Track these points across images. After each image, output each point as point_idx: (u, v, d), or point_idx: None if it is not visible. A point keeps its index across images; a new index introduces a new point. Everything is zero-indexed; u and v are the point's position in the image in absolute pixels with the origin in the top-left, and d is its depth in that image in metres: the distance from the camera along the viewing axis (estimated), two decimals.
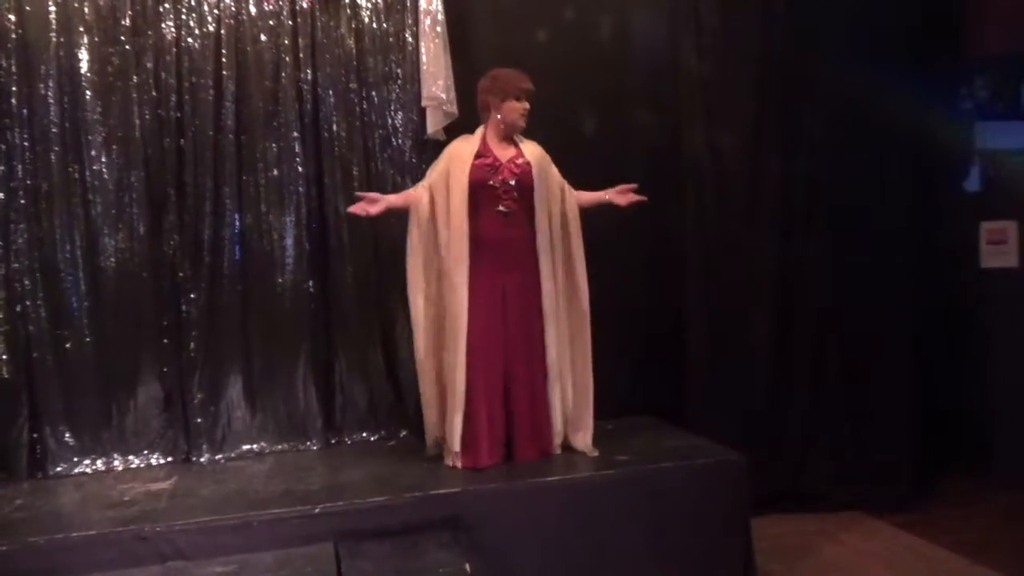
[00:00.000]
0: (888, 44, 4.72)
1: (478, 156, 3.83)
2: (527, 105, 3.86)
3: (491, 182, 3.80)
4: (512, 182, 3.80)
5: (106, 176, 4.08)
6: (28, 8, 3.99)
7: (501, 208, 3.80)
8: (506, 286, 3.82)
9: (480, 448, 3.76)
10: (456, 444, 3.76)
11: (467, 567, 3.15)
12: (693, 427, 4.31)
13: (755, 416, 4.66)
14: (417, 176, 4.36)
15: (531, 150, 3.92)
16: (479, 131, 3.93)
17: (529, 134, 3.97)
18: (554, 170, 3.95)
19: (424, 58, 4.27)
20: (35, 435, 4.02)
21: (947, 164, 5.17)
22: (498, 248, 3.80)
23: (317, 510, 3.32)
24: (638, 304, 4.67)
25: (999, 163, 5.19)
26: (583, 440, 3.93)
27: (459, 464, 3.76)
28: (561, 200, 3.95)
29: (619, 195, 4.02)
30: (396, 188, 4.35)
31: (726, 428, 4.33)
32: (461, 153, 3.85)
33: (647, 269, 4.71)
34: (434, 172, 3.89)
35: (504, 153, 3.87)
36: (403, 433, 4.37)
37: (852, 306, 4.76)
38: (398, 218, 4.05)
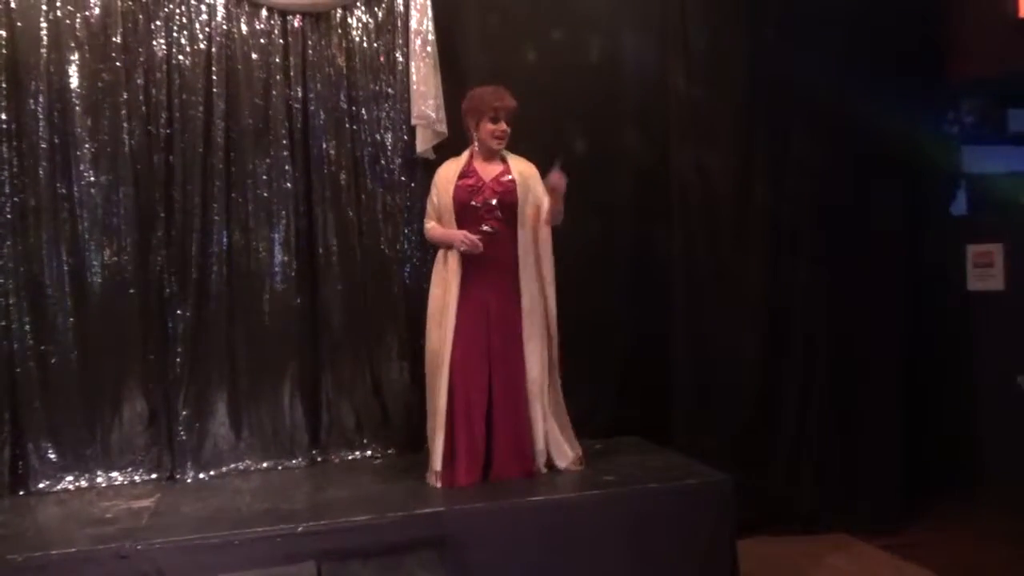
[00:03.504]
0: (877, 68, 4.73)
1: (462, 176, 3.85)
2: (503, 126, 3.83)
3: (473, 202, 3.81)
4: (493, 201, 3.81)
5: (94, 192, 4.07)
6: (19, 24, 3.99)
7: (485, 228, 3.80)
8: (489, 305, 3.82)
9: (459, 467, 3.74)
10: (437, 463, 3.75)
11: None
12: (680, 448, 4.29)
13: (742, 437, 4.63)
14: (406, 194, 4.42)
15: (519, 167, 3.92)
16: (466, 152, 3.95)
17: (515, 154, 3.97)
18: (540, 189, 3.91)
19: (414, 77, 4.28)
20: (17, 451, 3.98)
21: (934, 188, 5.18)
22: (482, 267, 3.80)
23: (300, 529, 3.27)
24: (625, 326, 4.66)
25: (985, 186, 5.21)
26: (571, 455, 3.90)
27: (439, 484, 3.74)
28: (536, 217, 3.91)
29: (552, 189, 3.79)
30: (385, 206, 4.40)
31: (713, 449, 4.32)
32: (445, 176, 3.89)
33: (634, 291, 4.69)
34: (430, 205, 3.93)
35: (489, 171, 3.88)
36: (390, 451, 4.35)
37: (840, 330, 4.74)
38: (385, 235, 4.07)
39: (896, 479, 4.74)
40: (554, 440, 3.91)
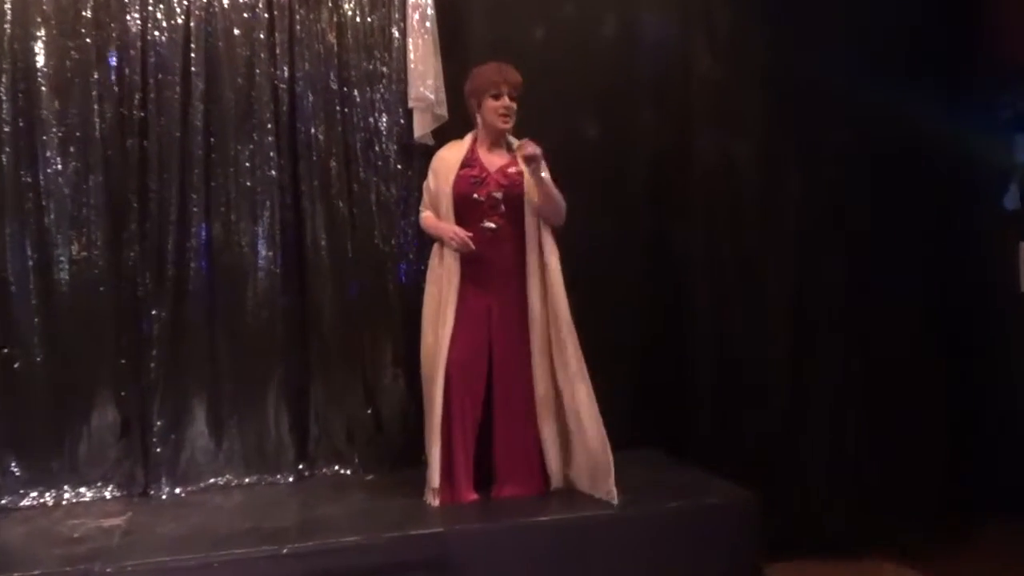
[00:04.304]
0: (919, 51, 4.71)
1: (464, 166, 3.83)
2: (507, 102, 3.80)
3: (476, 196, 3.79)
4: (499, 195, 3.79)
5: (62, 181, 4.07)
6: None
7: (488, 224, 3.78)
8: (492, 308, 3.81)
9: (459, 483, 3.75)
10: (435, 479, 3.73)
11: None
12: (701, 462, 4.29)
13: (769, 450, 4.62)
14: (402, 184, 4.41)
15: None
16: (469, 136, 3.94)
17: (524, 138, 3.93)
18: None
19: (412, 55, 4.27)
20: None
21: (982, 180, 5.14)
22: (484, 267, 3.79)
23: (286, 550, 3.29)
24: (641, 328, 4.67)
25: None
26: (604, 485, 3.73)
27: (436, 501, 3.74)
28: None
29: (525, 161, 3.72)
30: (379, 197, 4.39)
31: (737, 463, 4.30)
32: (446, 162, 3.86)
33: (652, 290, 4.70)
34: (426, 192, 3.92)
35: (494, 161, 3.87)
36: (384, 466, 4.34)
37: (877, 334, 4.72)
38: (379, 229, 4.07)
39: (939, 497, 4.72)
40: (591, 461, 3.76)
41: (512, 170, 3.84)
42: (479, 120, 3.88)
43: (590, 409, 3.77)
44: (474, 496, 3.75)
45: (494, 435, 3.83)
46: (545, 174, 3.74)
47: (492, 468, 3.83)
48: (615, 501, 3.65)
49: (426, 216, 3.93)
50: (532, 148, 3.67)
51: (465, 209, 3.79)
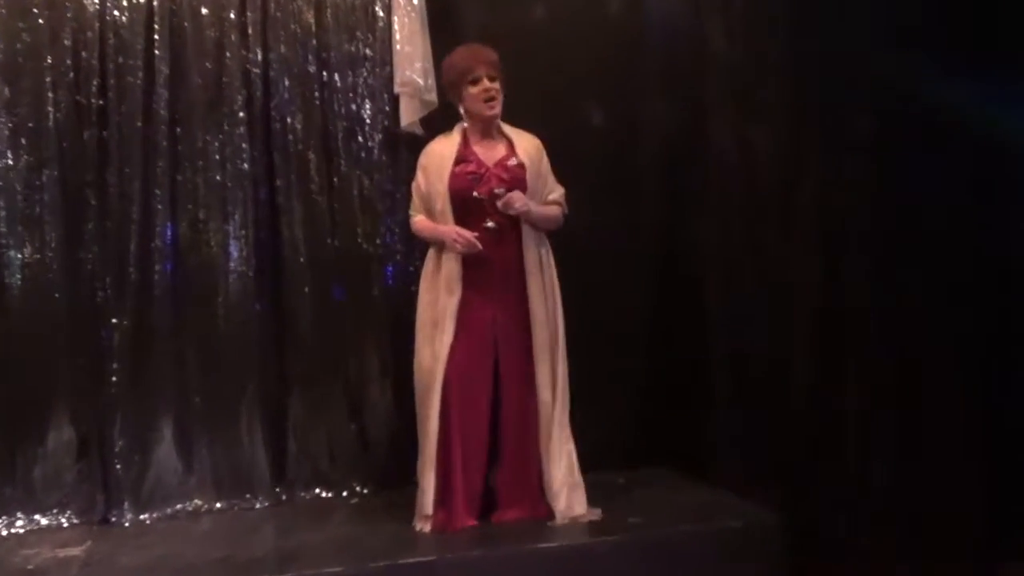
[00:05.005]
0: (954, 28, 4.67)
1: (459, 161, 3.81)
2: (487, 84, 3.76)
3: (476, 193, 3.77)
4: (500, 191, 3.76)
5: (12, 176, 4.06)
6: None
7: (489, 224, 3.76)
8: (495, 316, 3.80)
9: (456, 508, 3.72)
10: (428, 507, 3.71)
11: None
12: (718, 481, 4.29)
13: (793, 469, 4.57)
14: (388, 178, 4.41)
15: (524, 144, 3.87)
16: (456, 130, 3.91)
17: (523, 128, 3.94)
18: (547, 167, 3.91)
19: (398, 36, 4.27)
20: None
21: None
22: (483, 270, 3.77)
23: None
24: (650, 335, 4.68)
25: None
26: (577, 502, 3.80)
27: (428, 528, 3.72)
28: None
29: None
30: (363, 192, 4.41)
31: (758, 483, 4.27)
32: (438, 158, 3.84)
33: (661, 292, 4.70)
34: (416, 193, 3.90)
35: (491, 154, 3.85)
36: (370, 489, 4.35)
37: (911, 339, 4.67)
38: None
39: (981, 523, 4.67)
40: (565, 480, 3.83)
41: (512, 163, 3.83)
42: (464, 112, 3.86)
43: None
44: (472, 522, 3.74)
45: (501, 455, 3.83)
46: (532, 207, 3.76)
47: (494, 491, 3.84)
48: (599, 516, 3.77)
49: (419, 220, 3.90)
50: (519, 204, 3.70)
51: (464, 209, 3.77)
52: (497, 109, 3.80)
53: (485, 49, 3.82)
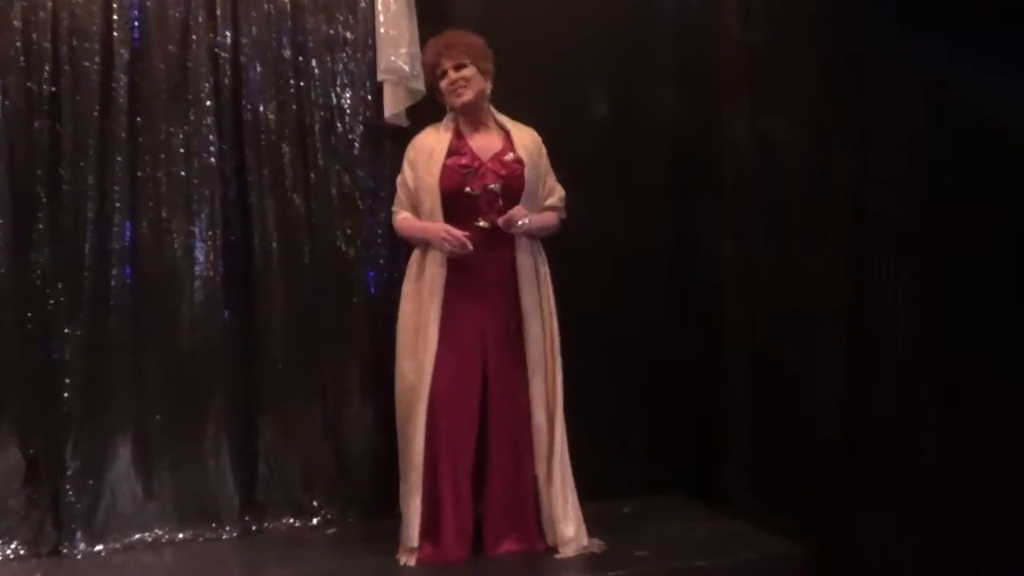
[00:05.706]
0: (998, 10, 4.63)
1: (451, 154, 3.82)
2: (452, 76, 3.80)
3: (469, 189, 3.77)
4: (496, 187, 3.78)
5: None
6: None
7: (482, 222, 3.76)
8: (484, 325, 3.80)
9: (445, 539, 3.71)
10: (413, 539, 3.69)
11: None
12: (735, 510, 4.30)
13: (819, 495, 4.52)
14: (370, 174, 4.43)
15: (522, 138, 3.89)
16: (447, 120, 3.93)
17: (522, 122, 3.96)
18: (547, 163, 3.92)
19: (381, 18, 4.28)
20: None
21: None
22: (472, 274, 3.77)
23: None
24: (660, 347, 4.68)
25: None
26: (577, 534, 3.82)
27: (413, 562, 3.70)
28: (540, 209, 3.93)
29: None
30: (342, 189, 4.44)
31: (780, 512, 4.25)
32: (427, 151, 3.86)
33: (672, 300, 4.72)
34: (402, 189, 3.91)
35: (486, 146, 3.87)
36: (348, 517, 4.35)
37: (950, 352, 4.61)
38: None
39: None
40: (564, 510, 3.84)
41: (509, 157, 3.85)
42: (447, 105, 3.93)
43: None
44: (462, 555, 3.74)
45: (489, 480, 3.82)
46: (533, 220, 3.81)
47: (484, 522, 3.84)
48: (601, 549, 3.80)
49: (404, 218, 3.91)
50: (521, 222, 3.73)
51: (456, 206, 3.77)
52: (466, 96, 3.82)
53: (456, 35, 3.89)
